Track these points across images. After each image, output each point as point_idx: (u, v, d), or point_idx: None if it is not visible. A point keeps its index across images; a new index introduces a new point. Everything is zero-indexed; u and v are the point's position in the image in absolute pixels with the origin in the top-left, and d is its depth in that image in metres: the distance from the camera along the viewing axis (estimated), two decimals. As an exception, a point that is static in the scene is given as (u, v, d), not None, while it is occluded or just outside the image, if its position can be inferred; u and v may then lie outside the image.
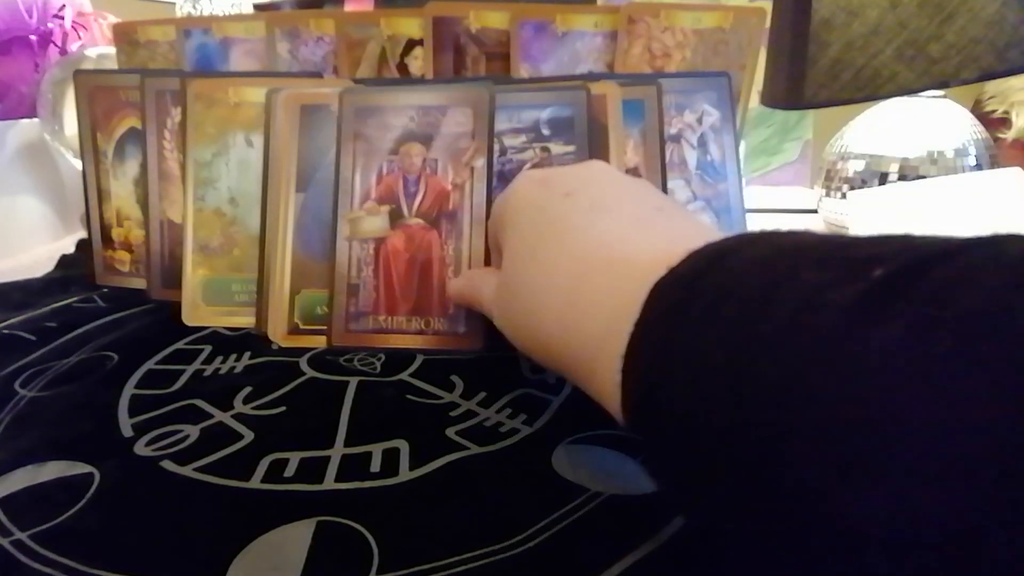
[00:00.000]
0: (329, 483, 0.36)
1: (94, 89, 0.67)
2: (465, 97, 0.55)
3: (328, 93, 0.56)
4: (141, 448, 0.40)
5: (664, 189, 0.56)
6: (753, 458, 0.21)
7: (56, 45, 0.92)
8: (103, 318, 0.61)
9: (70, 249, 0.83)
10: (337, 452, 0.39)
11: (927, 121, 0.79)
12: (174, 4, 0.98)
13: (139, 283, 0.66)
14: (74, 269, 0.75)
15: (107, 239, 0.68)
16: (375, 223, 0.54)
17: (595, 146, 0.55)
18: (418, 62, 0.68)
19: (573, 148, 0.54)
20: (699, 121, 0.59)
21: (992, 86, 1.07)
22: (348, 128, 0.55)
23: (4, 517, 0.34)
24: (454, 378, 0.48)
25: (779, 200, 1.10)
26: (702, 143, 0.59)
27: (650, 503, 0.34)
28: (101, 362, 0.52)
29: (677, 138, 0.59)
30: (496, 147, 0.54)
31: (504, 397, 0.46)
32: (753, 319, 0.22)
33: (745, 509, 0.22)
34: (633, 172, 0.56)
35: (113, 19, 0.98)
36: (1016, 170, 0.70)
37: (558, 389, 0.47)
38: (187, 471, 0.38)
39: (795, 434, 0.19)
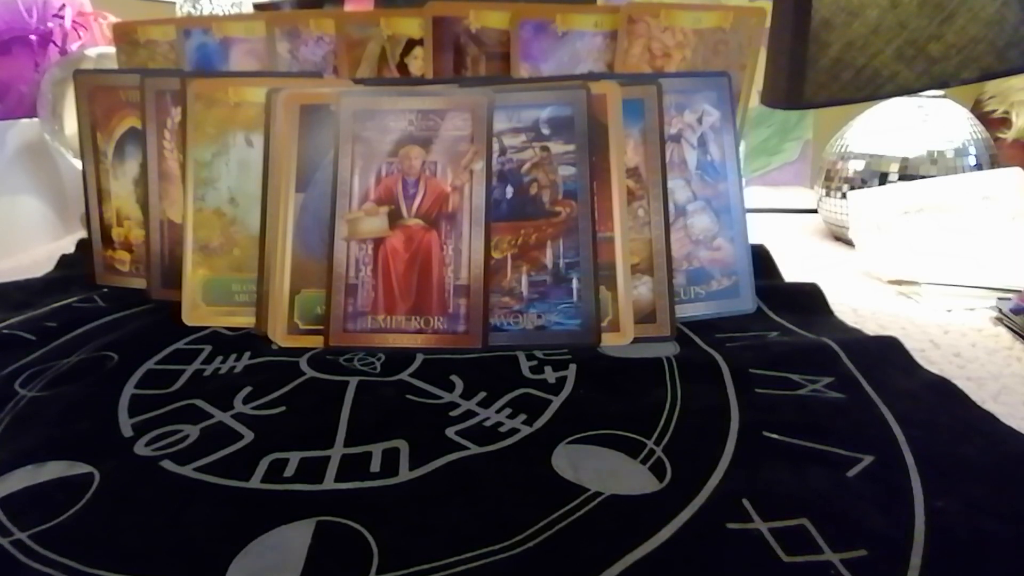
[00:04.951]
0: (329, 483, 0.36)
1: (94, 89, 0.67)
2: (464, 102, 0.55)
3: (328, 93, 0.56)
4: (141, 448, 0.40)
5: (664, 189, 0.56)
6: None
7: (56, 45, 0.92)
8: (103, 318, 0.61)
9: (70, 249, 0.83)
10: (337, 452, 0.39)
11: (927, 121, 0.79)
12: (174, 4, 0.98)
13: (139, 283, 0.66)
14: (74, 269, 0.75)
15: (107, 239, 0.68)
16: (374, 224, 0.54)
17: (595, 146, 0.55)
18: (418, 62, 0.68)
19: (573, 147, 0.54)
20: (699, 121, 0.59)
21: (992, 86, 1.06)
22: (346, 131, 0.55)
23: (4, 517, 0.34)
24: (454, 378, 0.48)
25: (779, 200, 1.10)
26: (702, 143, 0.59)
27: (650, 503, 0.34)
28: (101, 362, 0.52)
29: (677, 138, 0.59)
30: (496, 146, 0.55)
31: (504, 397, 0.46)
32: None
33: None
34: (633, 172, 0.56)
35: (113, 19, 0.98)
36: (1016, 170, 0.70)
37: (558, 389, 0.47)
38: (187, 471, 0.38)
39: None
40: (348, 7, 0.74)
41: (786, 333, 0.55)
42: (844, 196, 0.82)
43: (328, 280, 0.53)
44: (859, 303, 0.64)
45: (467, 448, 0.40)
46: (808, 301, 0.62)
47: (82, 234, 0.84)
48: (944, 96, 0.81)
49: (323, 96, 0.56)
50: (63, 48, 0.92)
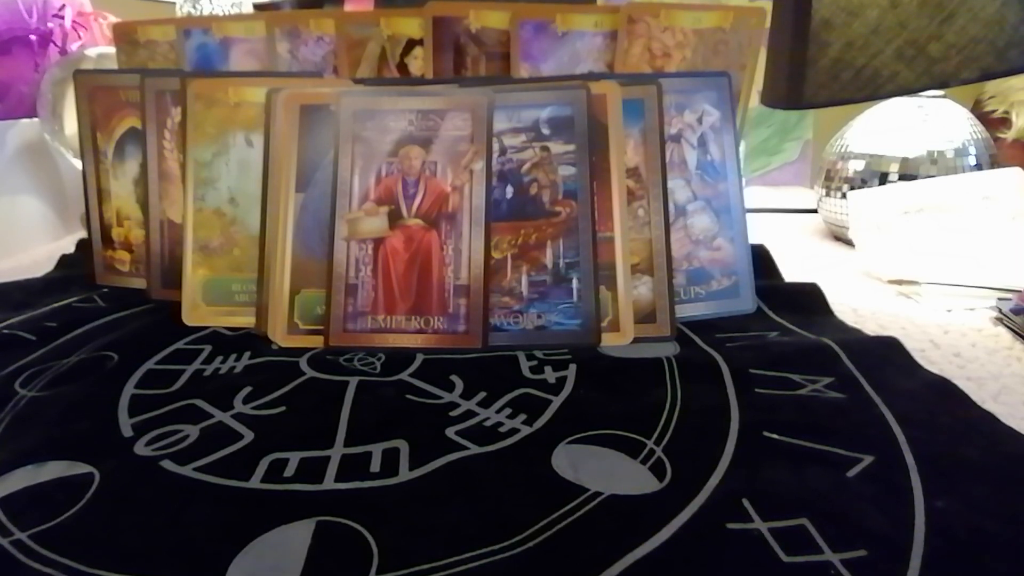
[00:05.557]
0: (329, 483, 0.36)
1: (94, 89, 0.67)
2: (464, 102, 0.55)
3: (328, 93, 0.56)
4: (141, 448, 0.40)
5: (664, 189, 0.56)
6: None
7: (56, 45, 0.92)
8: (103, 318, 0.61)
9: (70, 249, 0.83)
10: (337, 452, 0.39)
11: (927, 121, 0.79)
12: (174, 4, 0.98)
13: (139, 283, 0.66)
14: (74, 269, 0.75)
15: (107, 239, 0.68)
16: (374, 224, 0.54)
17: (595, 146, 0.55)
18: (418, 62, 0.68)
19: (573, 147, 0.54)
20: (699, 121, 0.59)
21: (992, 86, 1.06)
22: (346, 130, 0.55)
23: (4, 517, 0.34)
24: (454, 378, 0.48)
25: (779, 200, 1.10)
26: (702, 143, 0.59)
27: (650, 503, 0.34)
28: (101, 362, 0.52)
29: (677, 138, 0.59)
30: (496, 146, 0.55)
31: (504, 397, 0.46)
32: None
33: None
34: (633, 172, 0.56)
35: (113, 19, 0.98)
36: (1016, 170, 0.70)
37: (558, 389, 0.47)
38: (187, 471, 0.38)
39: None
40: (348, 7, 0.74)
41: (786, 333, 0.55)
42: (844, 196, 0.82)
43: (328, 280, 0.53)
44: (859, 303, 0.64)
45: (467, 448, 0.40)
46: (808, 301, 0.62)
47: (82, 234, 0.84)
48: (944, 96, 0.81)
49: (323, 96, 0.56)
50: (63, 48, 0.92)
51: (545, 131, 0.55)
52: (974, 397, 0.44)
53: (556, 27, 0.65)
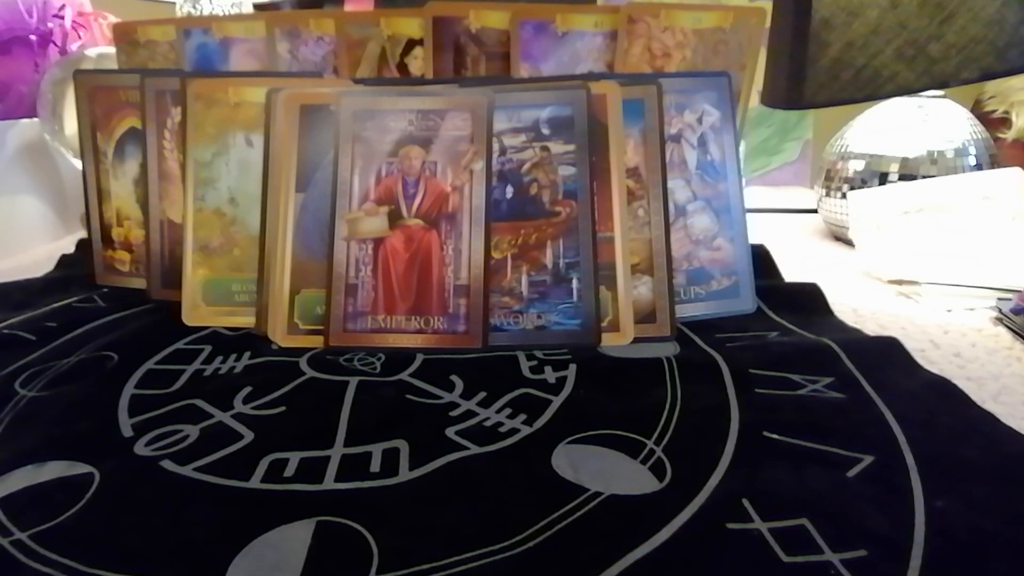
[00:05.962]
0: (329, 483, 0.36)
1: (94, 89, 0.67)
2: (464, 102, 0.55)
3: (328, 93, 0.56)
4: (141, 448, 0.40)
5: (664, 189, 0.56)
6: None
7: (56, 45, 0.92)
8: (103, 318, 0.61)
9: (70, 249, 0.83)
10: (337, 452, 0.39)
11: (927, 121, 0.79)
12: (174, 4, 0.98)
13: (139, 283, 0.66)
14: (74, 269, 0.75)
15: (107, 239, 0.68)
16: (374, 224, 0.54)
17: (595, 146, 0.55)
18: (418, 62, 0.68)
19: (573, 147, 0.54)
20: (699, 121, 0.59)
21: (992, 86, 1.06)
22: (346, 131, 0.55)
23: (4, 517, 0.34)
24: (454, 378, 0.48)
25: (779, 200, 1.10)
26: (702, 143, 0.59)
27: (650, 503, 0.34)
28: (101, 362, 0.52)
29: (677, 138, 0.59)
30: (496, 146, 0.55)
31: (504, 397, 0.46)
32: None
33: None
34: (633, 172, 0.56)
35: (113, 19, 0.98)
36: (1016, 170, 0.70)
37: (558, 389, 0.47)
38: (187, 471, 0.38)
39: None
40: (348, 7, 0.74)
41: (786, 333, 0.55)
42: (844, 196, 0.82)
43: (328, 280, 0.53)
44: (859, 303, 0.64)
45: (467, 448, 0.40)
46: (808, 301, 0.62)
47: (82, 234, 0.84)
48: (944, 96, 0.81)
49: (323, 96, 0.56)
50: (63, 48, 0.92)
51: (545, 131, 0.55)
52: (974, 397, 0.44)
53: (556, 27, 0.65)
